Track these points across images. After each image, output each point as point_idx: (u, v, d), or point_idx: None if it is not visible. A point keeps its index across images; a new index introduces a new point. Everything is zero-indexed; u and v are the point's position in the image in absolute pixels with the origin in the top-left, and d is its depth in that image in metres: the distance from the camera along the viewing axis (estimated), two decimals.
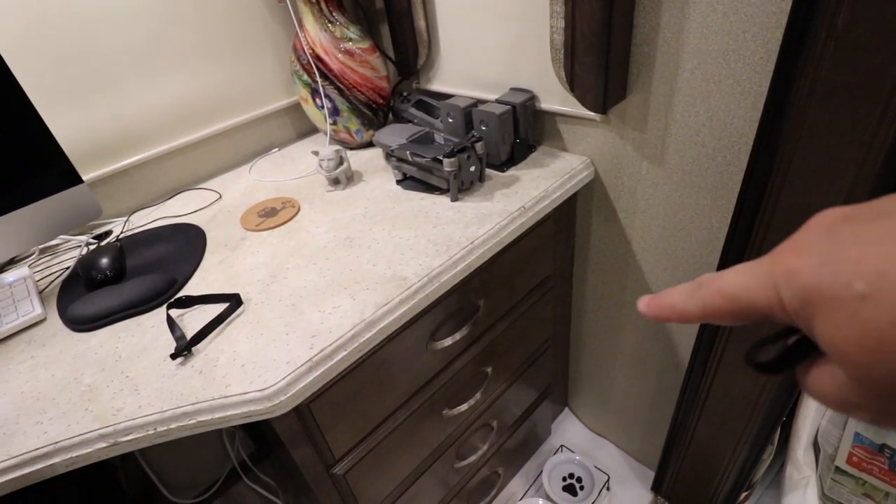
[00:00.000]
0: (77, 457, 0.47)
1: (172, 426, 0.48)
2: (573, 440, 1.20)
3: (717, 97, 0.62)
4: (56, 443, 0.47)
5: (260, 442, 1.18)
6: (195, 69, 0.88)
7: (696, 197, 0.71)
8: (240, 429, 1.16)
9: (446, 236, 0.66)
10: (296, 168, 0.92)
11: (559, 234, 0.86)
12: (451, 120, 0.82)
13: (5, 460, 0.47)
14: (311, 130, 1.08)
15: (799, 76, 0.51)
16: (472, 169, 0.74)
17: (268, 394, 0.48)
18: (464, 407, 0.78)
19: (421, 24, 0.89)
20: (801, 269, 0.16)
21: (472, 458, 0.88)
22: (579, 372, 1.15)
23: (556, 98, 0.79)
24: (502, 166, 0.80)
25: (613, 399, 1.12)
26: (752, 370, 0.20)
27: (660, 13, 0.62)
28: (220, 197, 0.87)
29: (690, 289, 0.20)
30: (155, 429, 0.48)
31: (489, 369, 0.81)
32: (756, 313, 0.18)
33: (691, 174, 0.70)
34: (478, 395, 0.80)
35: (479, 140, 0.73)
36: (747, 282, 0.18)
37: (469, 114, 0.80)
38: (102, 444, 0.47)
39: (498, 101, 0.79)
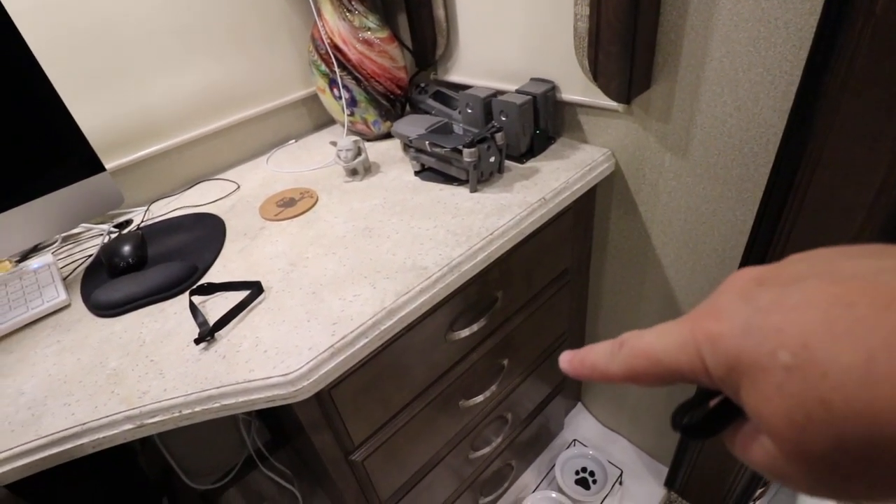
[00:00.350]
0: (104, 438, 0.48)
1: (197, 409, 0.48)
2: (586, 435, 1.19)
3: (746, 86, 0.61)
4: (83, 424, 0.48)
5: (275, 431, 1.19)
6: (214, 60, 0.89)
7: (720, 189, 0.70)
8: (256, 417, 1.17)
9: (466, 227, 0.65)
10: (313, 159, 0.92)
11: (578, 227, 0.85)
12: (470, 110, 0.82)
13: (35, 440, 0.47)
14: (328, 122, 1.08)
15: (833, 64, 0.50)
16: (492, 160, 0.73)
17: (291, 378, 0.48)
18: (479, 398, 0.78)
19: (440, 13, 0.89)
20: (724, 336, 0.15)
21: (486, 450, 0.88)
22: None
23: (577, 88, 0.78)
24: (521, 157, 0.80)
25: (628, 394, 1.11)
26: (680, 434, 0.19)
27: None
28: (239, 187, 0.87)
29: (613, 348, 0.19)
30: (180, 411, 0.48)
31: (505, 361, 0.81)
32: (680, 377, 0.17)
33: (716, 166, 0.69)
34: (493, 388, 0.80)
35: (499, 130, 0.72)
36: (669, 345, 0.17)
37: (489, 104, 0.80)
38: (129, 426, 0.48)
39: (518, 92, 0.79)
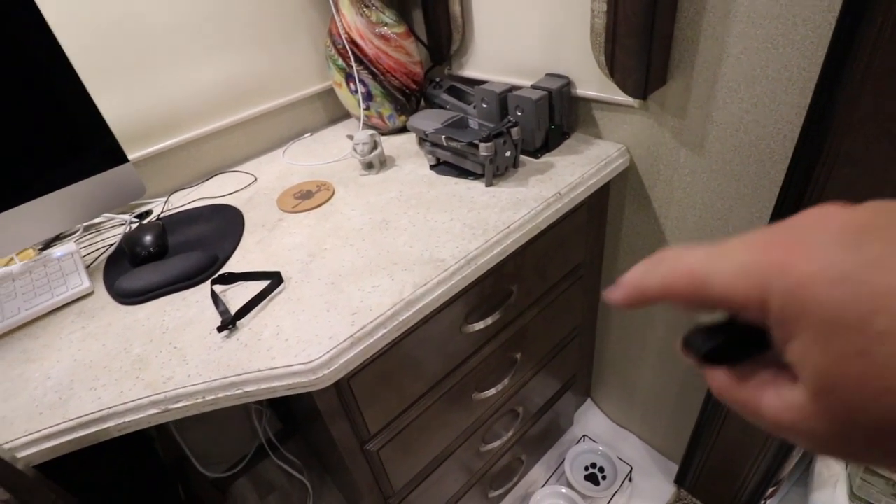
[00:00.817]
0: (130, 422, 0.49)
1: (220, 395, 0.49)
2: (595, 431, 1.20)
3: (763, 83, 0.61)
4: (110, 408, 0.49)
5: (287, 421, 1.21)
6: (233, 54, 0.90)
7: (735, 186, 0.70)
8: (268, 407, 1.19)
9: (482, 220, 0.66)
10: (329, 152, 0.93)
11: (592, 222, 0.86)
12: (485, 105, 0.82)
13: (62, 423, 0.49)
14: (343, 116, 1.08)
15: (853, 61, 0.50)
16: (508, 154, 0.74)
17: (312, 367, 0.49)
18: (492, 392, 0.79)
19: (456, 8, 0.89)
20: (811, 278, 0.14)
21: (497, 444, 0.89)
22: (604, 363, 1.15)
23: (593, 84, 0.78)
24: (536, 152, 0.80)
25: (638, 391, 1.11)
26: (693, 356, 0.18)
27: None
28: (256, 179, 0.88)
29: (649, 264, 0.18)
30: (204, 397, 0.49)
31: (518, 355, 0.82)
32: (724, 304, 0.16)
33: (732, 163, 0.69)
34: (506, 381, 0.80)
35: (515, 125, 0.73)
36: (724, 267, 0.16)
37: (504, 99, 0.80)
38: (154, 411, 0.49)
39: (534, 87, 0.79)
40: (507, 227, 0.64)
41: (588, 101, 0.81)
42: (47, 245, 0.80)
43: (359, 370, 0.56)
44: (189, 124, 0.89)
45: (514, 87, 0.81)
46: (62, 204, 0.68)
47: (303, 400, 0.73)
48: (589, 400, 1.26)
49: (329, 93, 1.04)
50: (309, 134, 1.03)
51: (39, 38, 0.60)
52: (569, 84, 0.81)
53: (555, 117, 0.80)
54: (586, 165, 0.75)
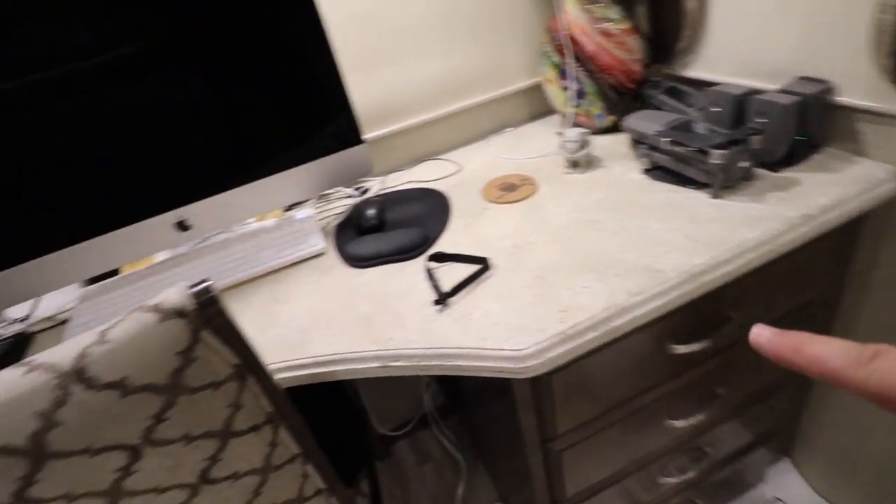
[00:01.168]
0: (355, 370, 0.56)
1: (434, 363, 0.53)
2: (792, 498, 1.02)
3: None
4: (342, 354, 0.56)
5: (452, 398, 1.26)
6: (456, 49, 0.96)
7: None
8: (435, 382, 1.26)
9: (707, 234, 0.60)
10: (530, 148, 0.94)
11: (838, 255, 0.72)
12: (717, 109, 0.74)
13: (303, 358, 0.57)
14: (545, 112, 1.08)
15: None
16: (743, 164, 0.66)
17: (522, 355, 0.50)
18: (684, 423, 0.71)
19: (692, 2, 0.82)
20: None
21: (676, 480, 0.81)
22: (816, 421, 0.97)
23: (863, 91, 0.65)
24: (774, 166, 0.70)
25: (860, 464, 0.91)
26: None
27: None
28: (461, 168, 0.93)
29: (861, 354, 0.17)
30: (419, 362, 0.53)
31: (721, 390, 0.73)
32: None
33: None
34: (701, 415, 0.72)
35: (757, 133, 0.64)
36: None
37: (742, 103, 0.72)
38: (376, 364, 0.55)
39: (783, 91, 0.69)
40: (740, 246, 0.57)
41: (852, 110, 0.68)
42: (288, 208, 0.95)
43: (561, 368, 0.55)
44: (409, 112, 0.98)
45: (754, 91, 0.72)
46: (309, 175, 0.79)
47: (482, 384, 0.75)
48: (787, 460, 1.08)
49: (534, 89, 1.05)
50: (511, 128, 1.05)
51: (311, 29, 0.70)
52: (828, 90, 0.69)
53: (804, 127, 0.69)
54: (844, 187, 0.63)
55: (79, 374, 0.33)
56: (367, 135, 0.96)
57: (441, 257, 0.66)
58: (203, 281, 0.36)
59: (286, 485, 0.53)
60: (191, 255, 0.82)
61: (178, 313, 0.35)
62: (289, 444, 0.51)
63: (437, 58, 0.95)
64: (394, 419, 1.28)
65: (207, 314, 0.36)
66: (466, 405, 1.08)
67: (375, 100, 0.94)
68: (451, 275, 0.63)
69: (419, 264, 0.67)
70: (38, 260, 0.69)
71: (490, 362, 0.51)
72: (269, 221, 0.87)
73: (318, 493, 0.57)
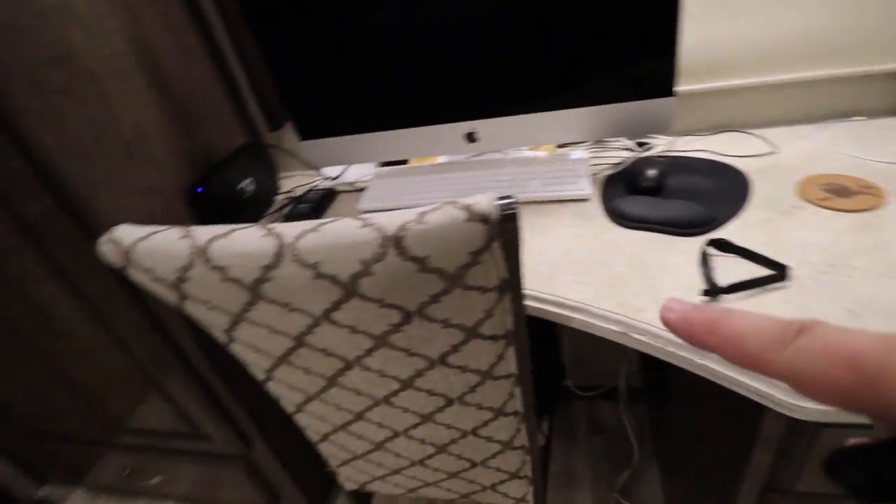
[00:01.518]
0: (592, 325, 0.55)
1: (682, 354, 0.48)
2: None
3: None
4: (584, 304, 0.56)
5: (650, 384, 1.19)
6: (822, 3, 0.76)
7: None
8: (638, 360, 1.19)
9: None
10: (887, 149, 0.72)
11: None
12: None
13: (545, 293, 0.59)
14: None
15: None
16: None
17: (790, 404, 0.42)
18: None
19: None
20: None
21: None
22: None
23: None
24: None
25: None
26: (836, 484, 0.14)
27: None
28: (776, 151, 0.77)
29: (784, 332, 0.15)
30: (665, 346, 0.50)
31: None
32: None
33: None
34: None
35: None
36: None
37: None
38: (615, 328, 0.53)
39: None
40: None
41: None
42: (562, 145, 0.94)
43: (843, 425, 0.45)
44: (734, 71, 0.84)
45: None
46: (601, 118, 0.76)
47: (709, 391, 0.67)
48: None
49: None
50: (863, 118, 0.82)
51: None
52: None
53: None
54: None
55: (397, 242, 0.39)
56: (681, 87, 0.86)
57: (725, 246, 0.58)
58: (508, 196, 0.39)
59: (495, 395, 0.57)
60: (466, 165, 0.90)
61: (483, 219, 0.38)
62: (510, 363, 0.54)
63: (797, 8, 0.77)
64: (583, 378, 1.27)
65: (504, 227, 0.39)
66: (665, 399, 0.99)
67: (700, 49, 0.83)
68: (729, 269, 0.55)
69: (693, 244, 0.60)
70: (357, 136, 0.85)
71: (755, 383, 0.44)
72: (542, 153, 0.89)
73: (514, 413, 0.61)
